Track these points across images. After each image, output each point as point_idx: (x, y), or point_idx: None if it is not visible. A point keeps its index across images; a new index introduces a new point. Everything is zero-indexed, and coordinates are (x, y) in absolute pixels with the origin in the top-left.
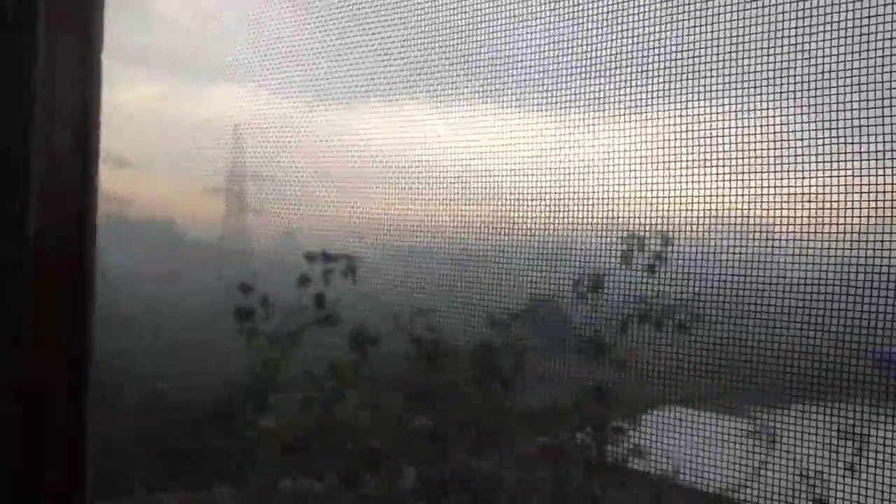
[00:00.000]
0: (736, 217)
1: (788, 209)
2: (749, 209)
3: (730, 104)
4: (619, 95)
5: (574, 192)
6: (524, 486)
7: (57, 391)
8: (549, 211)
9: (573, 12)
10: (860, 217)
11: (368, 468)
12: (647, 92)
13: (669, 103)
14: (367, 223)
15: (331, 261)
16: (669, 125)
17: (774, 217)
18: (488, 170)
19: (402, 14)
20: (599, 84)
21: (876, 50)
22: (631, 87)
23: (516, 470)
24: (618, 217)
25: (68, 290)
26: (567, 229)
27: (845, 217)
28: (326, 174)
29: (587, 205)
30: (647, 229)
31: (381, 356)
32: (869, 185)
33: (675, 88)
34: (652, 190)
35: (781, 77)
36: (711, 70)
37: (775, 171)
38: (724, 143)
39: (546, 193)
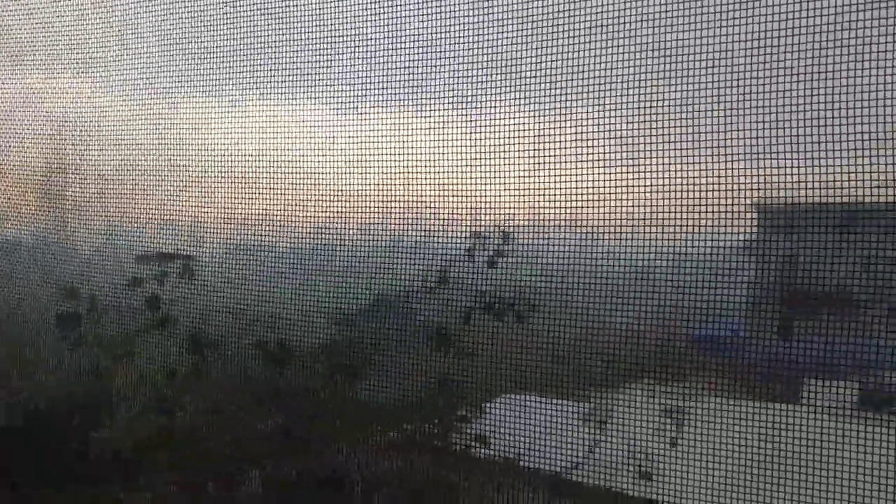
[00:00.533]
0: (567, 213)
1: (612, 204)
2: (578, 206)
3: (559, 106)
4: (459, 95)
5: (419, 190)
6: (373, 480)
7: None
8: (394, 209)
9: (407, 8)
10: (674, 210)
11: (211, 475)
12: (484, 92)
13: (503, 103)
14: (204, 221)
15: (165, 261)
16: (506, 125)
17: (601, 211)
18: (332, 167)
19: (232, 8)
20: (445, 82)
21: (673, 54)
22: (471, 86)
23: (367, 464)
24: (461, 214)
25: None
26: (412, 226)
27: (662, 210)
28: (158, 170)
29: (432, 202)
30: (489, 226)
31: (223, 358)
32: (679, 180)
33: (508, 89)
34: (493, 188)
35: (609, 80)
36: (542, 72)
37: (600, 169)
38: (554, 143)
39: (391, 191)
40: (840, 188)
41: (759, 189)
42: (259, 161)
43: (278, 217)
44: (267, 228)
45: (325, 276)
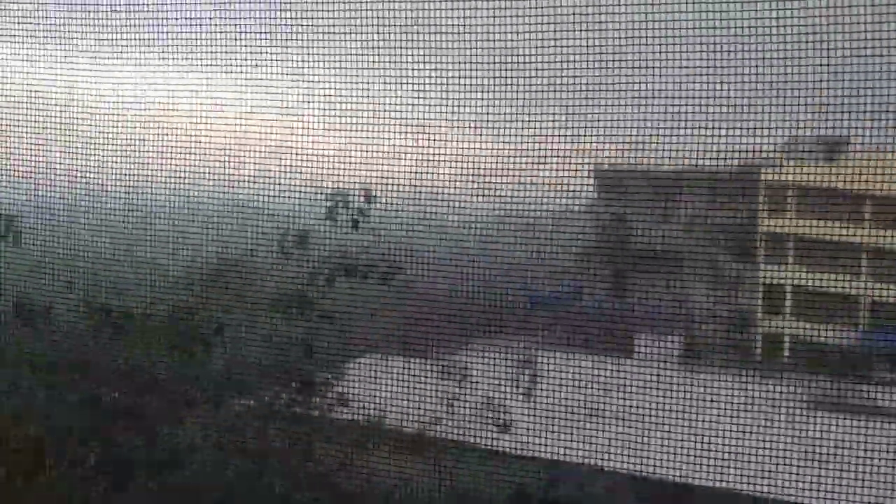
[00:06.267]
0: (426, 177)
1: (466, 167)
2: (436, 167)
3: (417, 71)
4: (317, 54)
5: (277, 147)
6: (230, 449)
7: None
8: (251, 165)
9: None
10: (522, 173)
11: (50, 456)
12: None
13: (363, 64)
14: (27, 175)
15: None
16: (371, 85)
17: (454, 177)
18: (176, 121)
19: None
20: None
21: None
22: (327, 45)
23: (223, 435)
24: (321, 174)
25: None
26: (270, 185)
27: (505, 176)
28: None
29: (289, 161)
30: (351, 186)
31: (56, 329)
32: (527, 146)
33: (364, 49)
34: (355, 148)
35: (476, 45)
36: (401, 36)
37: (451, 133)
38: (419, 107)
39: (245, 147)
40: (668, 156)
41: (596, 155)
42: (101, 113)
43: (120, 173)
44: (105, 185)
45: (171, 238)
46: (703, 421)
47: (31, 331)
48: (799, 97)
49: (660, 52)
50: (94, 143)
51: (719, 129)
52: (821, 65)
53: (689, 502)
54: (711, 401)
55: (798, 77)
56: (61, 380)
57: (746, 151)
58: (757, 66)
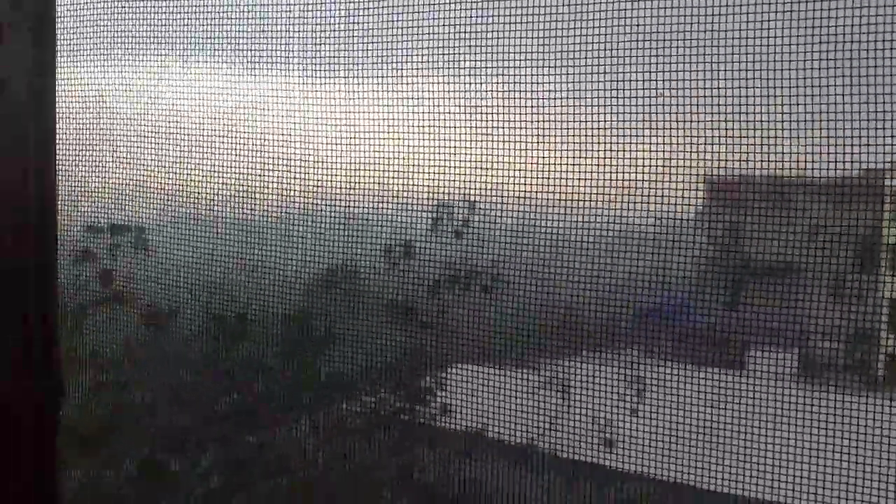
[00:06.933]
0: (530, 186)
1: (569, 179)
2: (537, 179)
3: (523, 79)
4: (423, 63)
5: (381, 160)
6: (335, 453)
7: None
8: (358, 178)
9: None
10: (630, 183)
11: (171, 452)
12: (449, 60)
13: (466, 72)
14: (157, 192)
15: (118, 232)
16: (469, 95)
17: (558, 186)
18: (287, 135)
19: None
20: (401, 50)
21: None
22: (429, 53)
23: (329, 438)
24: (426, 185)
25: None
26: (377, 197)
27: (618, 184)
28: (104, 137)
29: (395, 173)
30: (454, 196)
31: (181, 333)
32: (634, 155)
33: (470, 58)
34: (458, 159)
35: (586, 58)
36: (504, 43)
37: (558, 143)
38: (517, 116)
39: (350, 161)
40: (786, 162)
41: (707, 163)
42: (216, 129)
43: (240, 189)
44: (227, 200)
45: (286, 248)
46: (815, 442)
47: (159, 334)
48: None
49: (776, 55)
50: (221, 157)
51: (843, 134)
52: None
53: None
54: (826, 422)
55: None
56: (182, 381)
57: (869, 159)
58: (882, 70)
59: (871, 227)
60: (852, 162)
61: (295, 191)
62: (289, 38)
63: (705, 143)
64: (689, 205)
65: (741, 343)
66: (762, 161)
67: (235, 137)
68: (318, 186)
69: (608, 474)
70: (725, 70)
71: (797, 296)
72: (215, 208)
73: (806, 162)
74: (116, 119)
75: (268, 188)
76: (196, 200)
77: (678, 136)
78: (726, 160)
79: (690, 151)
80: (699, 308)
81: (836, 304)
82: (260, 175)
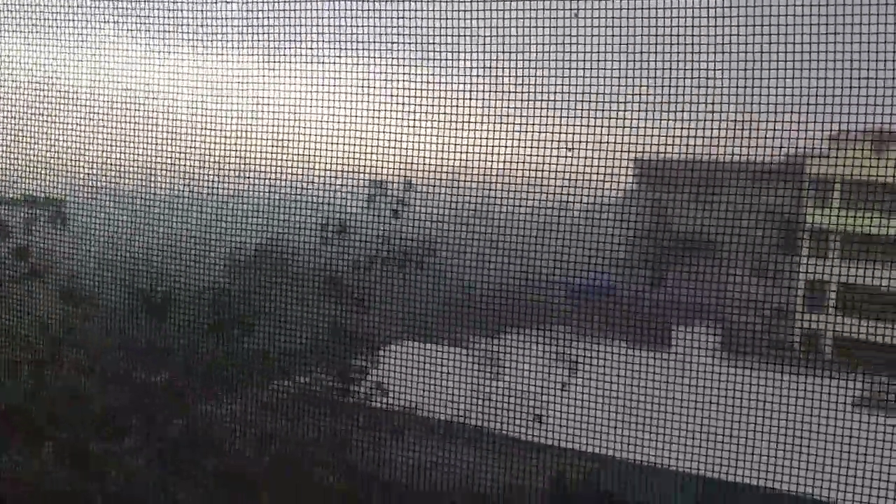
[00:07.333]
0: (466, 167)
1: (504, 160)
2: (472, 157)
3: (458, 62)
4: (358, 41)
5: (317, 137)
6: (264, 432)
7: None
8: (292, 155)
9: None
10: (560, 164)
11: (93, 433)
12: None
13: (401, 52)
14: (77, 165)
15: (34, 206)
16: (405, 78)
17: (493, 167)
18: (220, 109)
19: None
20: (342, 28)
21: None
22: (367, 33)
23: (258, 416)
24: (362, 164)
25: None
26: (313, 175)
27: (544, 166)
28: (21, 109)
29: (330, 150)
30: (390, 175)
31: (102, 310)
32: (565, 136)
33: (405, 38)
34: (394, 137)
35: (512, 41)
36: (439, 24)
37: (490, 124)
38: (454, 97)
39: (287, 137)
40: (712, 145)
41: (636, 145)
42: (143, 103)
43: (166, 163)
44: (152, 174)
45: (213, 223)
46: (738, 415)
47: (78, 311)
48: (847, 88)
49: (700, 44)
50: (139, 131)
51: (768, 118)
52: (869, 58)
53: (726, 498)
54: (747, 395)
55: (846, 68)
56: (105, 359)
57: (792, 144)
58: (804, 57)
59: (793, 210)
60: (776, 147)
61: (226, 166)
62: (216, 9)
63: (634, 127)
64: (619, 185)
65: (666, 320)
66: (689, 144)
67: (164, 111)
68: (249, 162)
69: (538, 449)
70: (653, 55)
71: (720, 275)
72: (140, 182)
73: (731, 145)
74: (34, 91)
75: (199, 164)
76: (118, 174)
77: (608, 119)
78: (655, 143)
79: (620, 134)
80: (627, 286)
81: (758, 283)
82: (190, 150)
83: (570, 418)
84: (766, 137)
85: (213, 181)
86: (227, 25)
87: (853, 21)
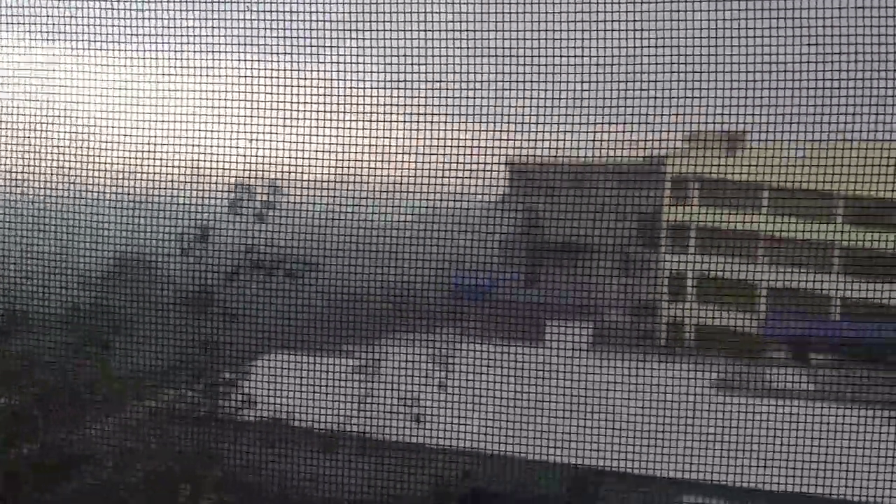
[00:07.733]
0: (337, 170)
1: (377, 163)
2: (345, 163)
3: (330, 64)
4: (222, 41)
5: (174, 140)
6: (130, 453)
7: None
8: (147, 160)
9: None
10: (434, 169)
11: None
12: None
13: (270, 52)
14: None
15: None
16: (270, 78)
17: (366, 170)
18: (65, 112)
19: None
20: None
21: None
22: (233, 34)
23: (122, 438)
24: (224, 167)
25: None
26: (169, 180)
27: (419, 169)
28: None
29: (189, 154)
30: (256, 178)
31: None
32: (438, 141)
33: (275, 40)
34: (260, 140)
35: (371, 40)
36: (311, 27)
37: (366, 127)
38: (323, 99)
39: (136, 140)
40: (580, 148)
41: (510, 149)
42: None
43: (10, 169)
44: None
45: (62, 235)
46: (611, 405)
47: None
48: (702, 91)
49: (567, 47)
50: None
51: (629, 120)
52: (724, 63)
53: (601, 486)
54: (619, 386)
55: (702, 75)
56: None
57: (652, 146)
58: (661, 64)
59: (653, 208)
60: (637, 149)
61: (77, 173)
62: (52, 4)
63: (508, 129)
64: (493, 188)
65: (540, 318)
66: (558, 147)
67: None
68: (100, 167)
69: (418, 450)
70: (527, 62)
71: (590, 272)
72: None
73: (597, 148)
74: None
75: (50, 172)
76: None
77: (482, 122)
78: (527, 146)
79: (494, 138)
80: (501, 287)
81: (624, 278)
82: (36, 156)
83: (447, 418)
84: (629, 140)
85: (56, 190)
86: (67, 18)
87: (709, 26)
